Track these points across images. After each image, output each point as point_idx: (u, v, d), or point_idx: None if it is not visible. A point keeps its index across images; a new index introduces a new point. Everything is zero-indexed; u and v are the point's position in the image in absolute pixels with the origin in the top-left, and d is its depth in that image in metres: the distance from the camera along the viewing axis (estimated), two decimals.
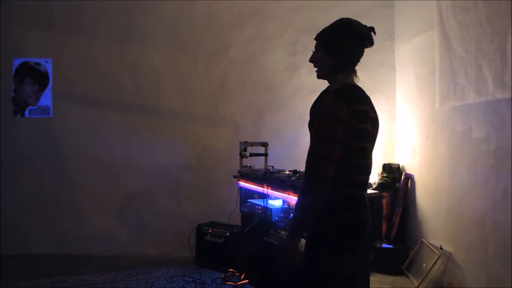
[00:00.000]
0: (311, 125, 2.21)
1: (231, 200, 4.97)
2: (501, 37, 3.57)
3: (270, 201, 4.24)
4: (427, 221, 4.94)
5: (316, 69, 2.36)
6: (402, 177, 5.35)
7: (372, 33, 2.29)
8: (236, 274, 4.58)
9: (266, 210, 4.16)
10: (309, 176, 2.11)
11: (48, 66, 5.44)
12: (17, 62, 5.41)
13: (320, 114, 2.14)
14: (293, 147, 5.55)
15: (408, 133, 5.44)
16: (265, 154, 4.99)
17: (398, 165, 5.53)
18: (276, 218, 4.06)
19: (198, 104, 5.72)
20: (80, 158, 5.51)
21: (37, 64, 5.43)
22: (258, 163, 4.92)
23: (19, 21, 5.40)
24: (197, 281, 4.50)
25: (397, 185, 5.34)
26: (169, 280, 4.52)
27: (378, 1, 5.75)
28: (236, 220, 4.92)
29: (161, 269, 4.91)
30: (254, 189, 4.47)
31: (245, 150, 4.87)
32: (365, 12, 5.50)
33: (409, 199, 5.31)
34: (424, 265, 4.57)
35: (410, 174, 5.33)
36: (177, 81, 5.69)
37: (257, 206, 4.37)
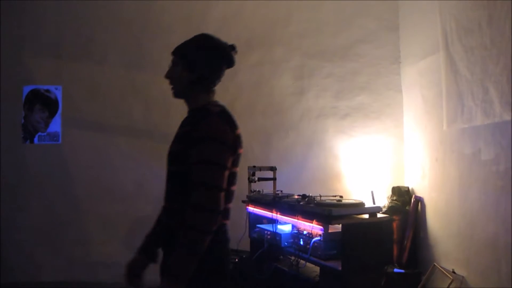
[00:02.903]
0: (188, 149, 2.00)
1: (240, 225, 4.94)
2: (506, 58, 3.58)
3: (279, 226, 4.21)
4: (439, 244, 4.88)
5: (172, 86, 2.22)
6: (412, 200, 5.30)
7: (233, 53, 2.18)
8: None
9: (275, 235, 4.13)
10: (202, 209, 1.86)
11: (58, 93, 5.51)
12: (27, 90, 5.49)
13: (208, 137, 1.95)
14: (302, 171, 5.54)
15: (417, 156, 5.42)
16: (274, 179, 4.96)
17: (408, 187, 5.49)
18: (286, 243, 4.03)
19: None
20: (89, 184, 5.53)
21: (47, 91, 5.50)
22: (266, 188, 4.89)
23: (29, 49, 5.50)
24: None
25: (407, 208, 5.30)
26: None
27: (384, 25, 5.78)
28: (245, 246, 4.88)
29: None
30: (263, 214, 4.44)
31: (253, 174, 4.85)
32: (370, 35, 5.52)
33: (419, 222, 5.25)
34: None
35: (420, 197, 5.28)
36: (186, 106, 5.70)
37: (266, 232, 4.34)
